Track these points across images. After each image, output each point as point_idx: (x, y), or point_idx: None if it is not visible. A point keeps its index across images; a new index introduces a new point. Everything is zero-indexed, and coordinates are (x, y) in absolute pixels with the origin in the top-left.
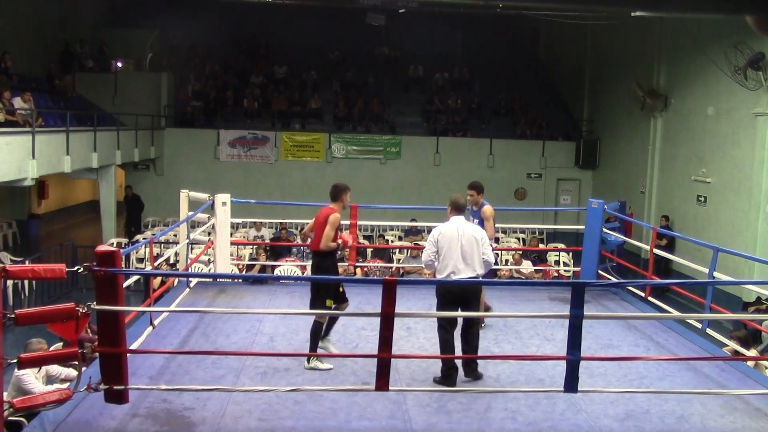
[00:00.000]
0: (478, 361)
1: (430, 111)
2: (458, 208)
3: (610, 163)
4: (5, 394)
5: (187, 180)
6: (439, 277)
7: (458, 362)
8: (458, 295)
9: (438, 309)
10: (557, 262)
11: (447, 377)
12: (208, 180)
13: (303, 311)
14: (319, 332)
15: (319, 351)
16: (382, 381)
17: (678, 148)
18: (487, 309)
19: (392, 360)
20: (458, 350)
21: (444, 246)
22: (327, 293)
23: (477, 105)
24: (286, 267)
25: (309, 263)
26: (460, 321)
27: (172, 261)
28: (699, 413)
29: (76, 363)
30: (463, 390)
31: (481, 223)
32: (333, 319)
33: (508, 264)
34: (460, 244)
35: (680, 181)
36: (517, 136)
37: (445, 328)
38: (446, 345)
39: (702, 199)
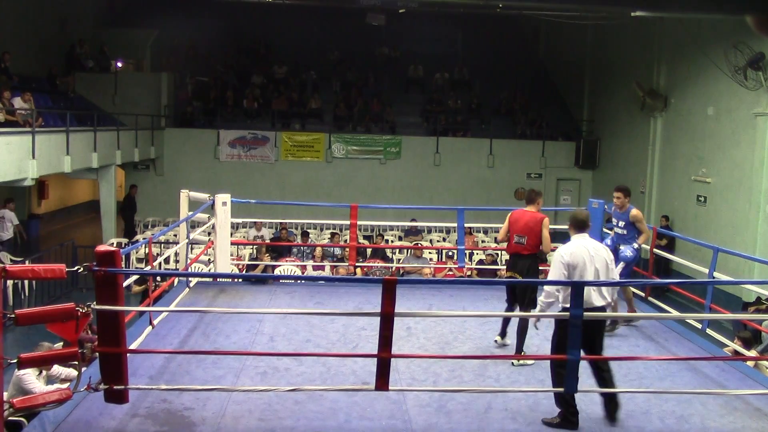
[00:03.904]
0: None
1: (430, 111)
2: (580, 227)
3: (610, 163)
4: (5, 394)
5: (187, 180)
6: (565, 306)
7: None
8: (594, 323)
9: (561, 342)
10: None
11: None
12: (208, 180)
13: (303, 311)
14: (526, 330)
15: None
16: (382, 381)
17: (678, 148)
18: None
19: (392, 360)
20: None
21: (575, 269)
22: (534, 290)
23: (477, 105)
24: (287, 267)
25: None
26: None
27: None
28: (699, 413)
29: (76, 363)
30: (463, 390)
31: (631, 226)
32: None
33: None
34: (593, 268)
35: (680, 181)
36: (517, 136)
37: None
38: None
39: (702, 199)
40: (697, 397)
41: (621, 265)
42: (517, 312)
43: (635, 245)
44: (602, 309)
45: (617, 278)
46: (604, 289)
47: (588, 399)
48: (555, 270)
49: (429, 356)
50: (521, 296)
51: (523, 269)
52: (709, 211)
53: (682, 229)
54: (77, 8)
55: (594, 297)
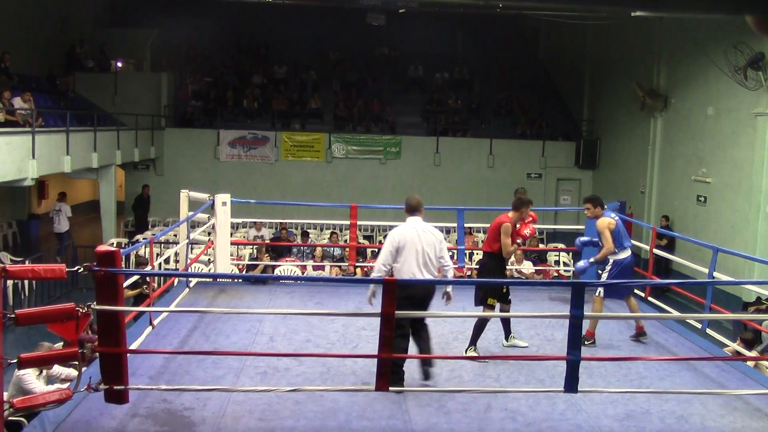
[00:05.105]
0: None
1: (430, 111)
2: (412, 210)
3: (610, 163)
4: (5, 394)
5: (187, 180)
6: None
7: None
8: (421, 298)
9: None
10: (557, 262)
11: (398, 377)
12: (208, 180)
13: (303, 311)
14: (482, 328)
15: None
16: (382, 381)
17: (678, 148)
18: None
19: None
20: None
21: (403, 248)
22: (488, 291)
23: (477, 105)
24: (286, 267)
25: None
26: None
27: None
28: (699, 413)
29: (76, 363)
30: (463, 390)
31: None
32: (482, 325)
33: (510, 264)
34: (421, 247)
35: (680, 181)
36: (517, 136)
37: (406, 335)
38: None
39: (702, 199)
40: (697, 397)
41: (605, 272)
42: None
43: (591, 260)
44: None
45: (446, 257)
46: (431, 266)
47: (588, 399)
48: (386, 248)
49: (429, 356)
50: (475, 294)
51: (480, 265)
52: (709, 211)
53: (682, 229)
54: (77, 8)
55: (417, 273)
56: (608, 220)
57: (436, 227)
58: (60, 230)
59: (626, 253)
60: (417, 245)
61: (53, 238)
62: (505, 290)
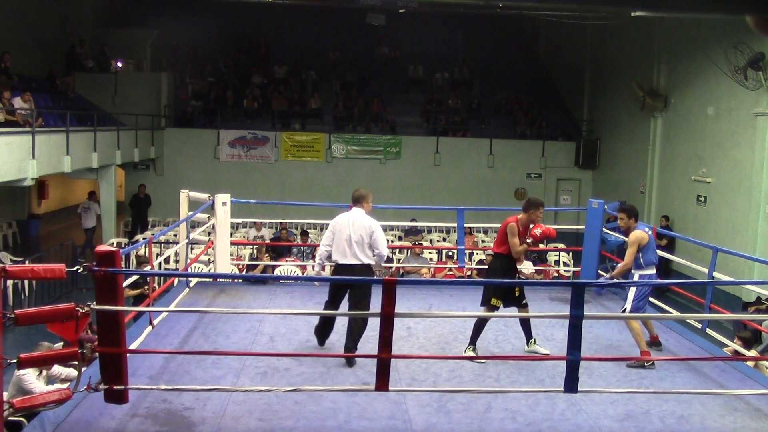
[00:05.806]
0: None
1: (430, 111)
2: (354, 201)
3: (610, 163)
4: (5, 394)
5: (187, 180)
6: (331, 262)
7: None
8: (341, 282)
9: (330, 293)
10: (557, 262)
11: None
12: (208, 180)
13: (303, 311)
14: (481, 327)
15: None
16: (382, 381)
17: (678, 148)
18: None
19: (392, 360)
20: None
21: (335, 232)
22: (492, 292)
23: (477, 105)
24: (287, 267)
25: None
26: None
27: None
28: (699, 413)
29: (76, 363)
30: (463, 390)
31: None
32: (481, 324)
33: None
34: (348, 233)
35: (680, 181)
36: (517, 136)
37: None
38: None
39: (702, 199)
40: (697, 397)
41: (633, 289)
42: (515, 312)
43: (607, 276)
44: (354, 266)
45: (379, 247)
46: (359, 251)
47: (588, 399)
48: (326, 232)
49: (429, 356)
50: (482, 294)
51: (487, 265)
52: (709, 211)
53: (682, 229)
54: (77, 8)
55: (340, 257)
56: (641, 234)
57: (434, 227)
58: (87, 226)
59: (652, 269)
60: (345, 231)
61: (54, 238)
62: (518, 293)
